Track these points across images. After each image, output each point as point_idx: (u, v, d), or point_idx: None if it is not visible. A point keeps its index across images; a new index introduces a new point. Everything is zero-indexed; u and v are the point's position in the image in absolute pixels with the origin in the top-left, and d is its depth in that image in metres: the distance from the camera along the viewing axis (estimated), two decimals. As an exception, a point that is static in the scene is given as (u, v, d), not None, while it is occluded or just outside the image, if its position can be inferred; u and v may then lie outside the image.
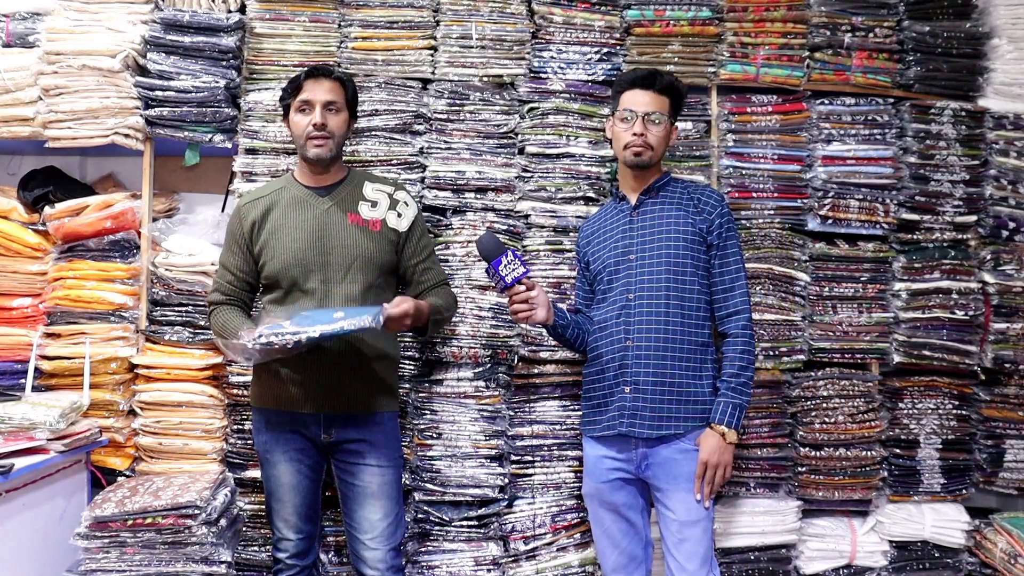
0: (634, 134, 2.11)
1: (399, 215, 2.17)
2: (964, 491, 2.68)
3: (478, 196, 2.53)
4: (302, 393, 2.06)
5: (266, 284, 2.14)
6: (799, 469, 2.59)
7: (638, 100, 2.13)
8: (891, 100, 2.71)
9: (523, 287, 2.03)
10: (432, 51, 2.59)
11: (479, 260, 2.48)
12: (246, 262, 2.15)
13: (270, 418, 2.12)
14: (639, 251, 2.10)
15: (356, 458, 2.10)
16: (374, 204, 2.16)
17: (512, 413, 2.50)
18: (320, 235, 2.08)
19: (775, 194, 2.63)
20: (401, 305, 1.96)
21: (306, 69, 2.14)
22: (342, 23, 2.56)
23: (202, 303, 2.44)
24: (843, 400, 2.60)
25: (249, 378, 2.39)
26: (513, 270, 2.00)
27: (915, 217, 2.68)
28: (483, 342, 2.48)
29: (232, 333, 2.00)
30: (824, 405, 2.59)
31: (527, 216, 2.55)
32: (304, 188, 2.16)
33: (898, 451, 2.64)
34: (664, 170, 2.23)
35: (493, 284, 2.12)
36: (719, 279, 2.10)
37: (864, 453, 2.60)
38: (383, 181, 2.24)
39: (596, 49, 2.61)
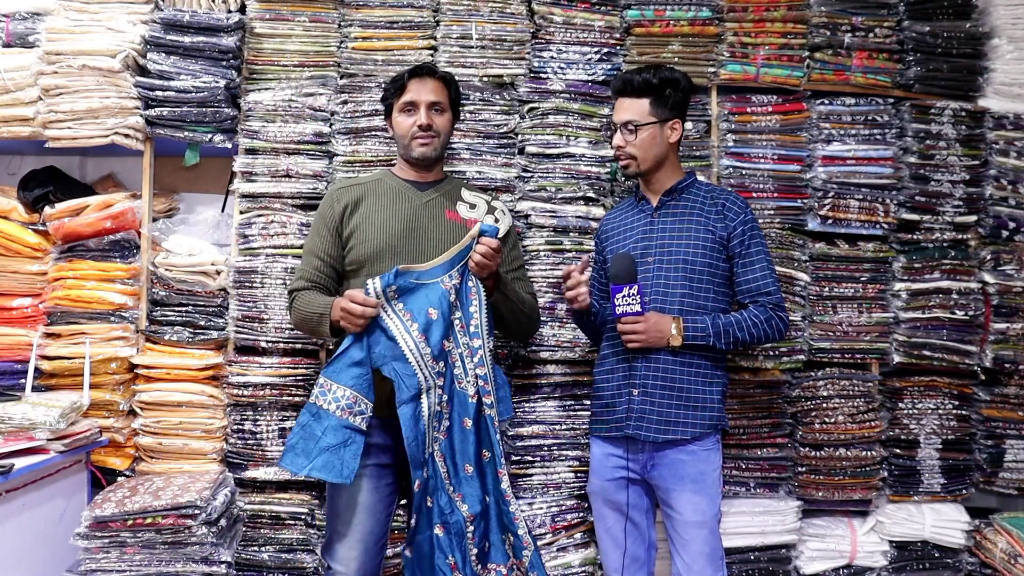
0: (615, 146, 2.12)
1: (496, 220, 2.12)
2: (964, 491, 2.68)
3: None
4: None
5: (349, 270, 2.05)
6: (799, 469, 2.59)
7: (618, 109, 2.13)
8: (891, 100, 2.71)
9: (627, 323, 1.99)
10: (432, 51, 2.59)
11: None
12: (335, 247, 2.06)
13: None
14: (657, 254, 2.08)
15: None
16: (472, 206, 2.13)
17: (512, 413, 2.50)
18: (415, 225, 2.03)
19: (775, 194, 2.63)
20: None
21: (409, 68, 2.11)
22: (342, 23, 2.56)
23: (202, 303, 2.44)
24: (843, 400, 2.60)
25: (249, 378, 2.40)
26: (629, 305, 1.97)
27: (915, 217, 2.68)
28: (483, 342, 2.48)
29: (320, 305, 1.94)
30: (824, 405, 2.59)
31: (527, 216, 2.55)
32: (402, 181, 2.13)
33: (898, 451, 2.64)
34: (686, 171, 2.20)
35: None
36: (745, 284, 2.06)
37: (864, 453, 2.60)
38: (481, 190, 2.23)
39: (596, 49, 2.61)
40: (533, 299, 2.20)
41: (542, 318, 2.50)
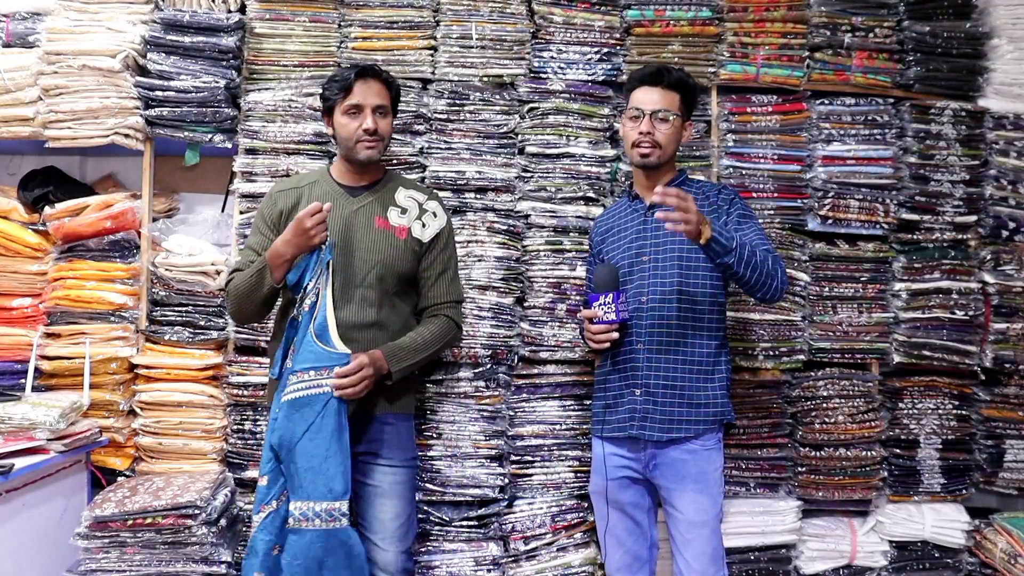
0: (640, 132, 2.08)
1: (424, 225, 2.09)
2: (964, 491, 2.68)
3: (478, 196, 2.53)
4: None
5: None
6: (799, 469, 2.59)
7: (646, 98, 2.10)
8: (891, 100, 2.71)
9: (603, 329, 2.00)
10: (432, 51, 2.59)
11: (479, 260, 2.48)
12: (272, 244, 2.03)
13: None
14: (652, 254, 2.08)
15: (368, 457, 2.00)
16: (404, 211, 2.08)
17: (512, 413, 2.50)
18: (344, 235, 2.00)
19: (775, 194, 2.63)
20: (348, 375, 1.85)
21: (355, 69, 2.04)
22: (342, 23, 2.56)
23: (202, 303, 2.44)
24: (843, 400, 2.60)
25: (249, 378, 2.40)
26: (605, 313, 1.97)
27: (915, 217, 2.68)
28: (483, 342, 2.48)
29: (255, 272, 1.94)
30: (824, 405, 2.59)
31: (527, 216, 2.55)
32: (337, 185, 2.09)
33: (898, 451, 2.64)
34: (679, 170, 2.20)
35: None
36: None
37: (864, 453, 2.60)
38: (417, 188, 2.17)
39: (596, 49, 2.61)
40: (438, 319, 2.08)
41: (542, 318, 2.51)
